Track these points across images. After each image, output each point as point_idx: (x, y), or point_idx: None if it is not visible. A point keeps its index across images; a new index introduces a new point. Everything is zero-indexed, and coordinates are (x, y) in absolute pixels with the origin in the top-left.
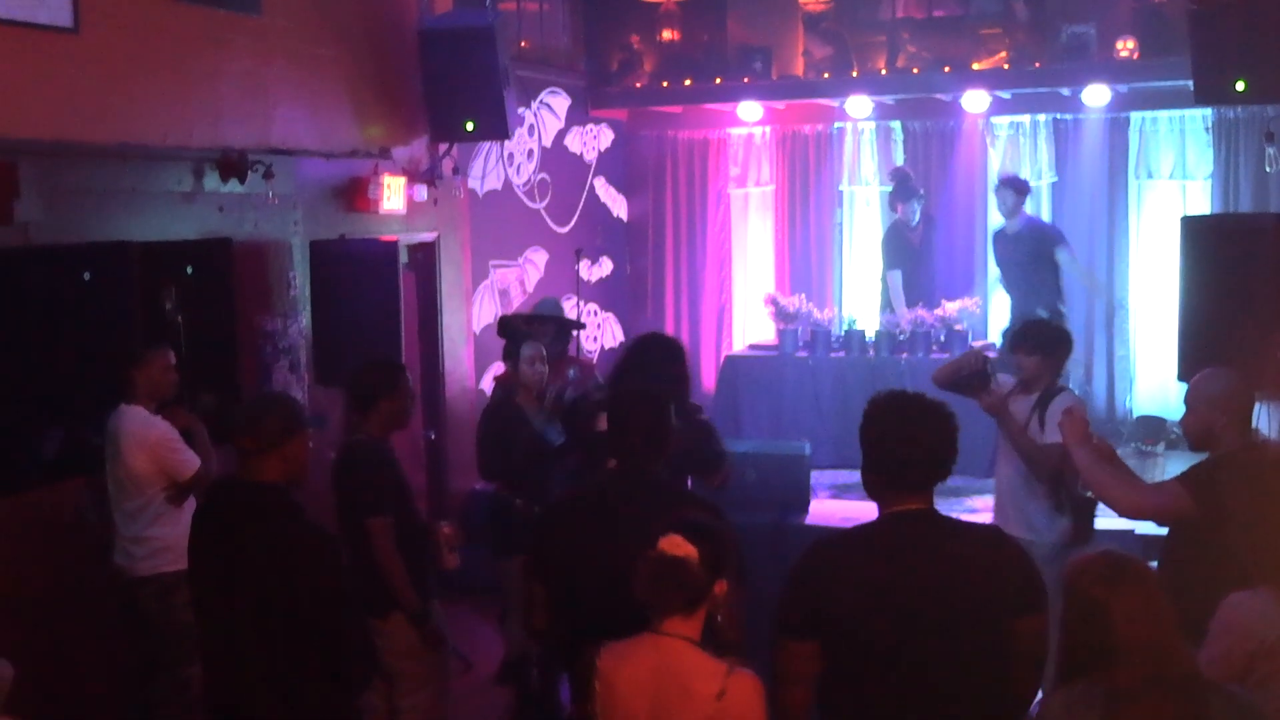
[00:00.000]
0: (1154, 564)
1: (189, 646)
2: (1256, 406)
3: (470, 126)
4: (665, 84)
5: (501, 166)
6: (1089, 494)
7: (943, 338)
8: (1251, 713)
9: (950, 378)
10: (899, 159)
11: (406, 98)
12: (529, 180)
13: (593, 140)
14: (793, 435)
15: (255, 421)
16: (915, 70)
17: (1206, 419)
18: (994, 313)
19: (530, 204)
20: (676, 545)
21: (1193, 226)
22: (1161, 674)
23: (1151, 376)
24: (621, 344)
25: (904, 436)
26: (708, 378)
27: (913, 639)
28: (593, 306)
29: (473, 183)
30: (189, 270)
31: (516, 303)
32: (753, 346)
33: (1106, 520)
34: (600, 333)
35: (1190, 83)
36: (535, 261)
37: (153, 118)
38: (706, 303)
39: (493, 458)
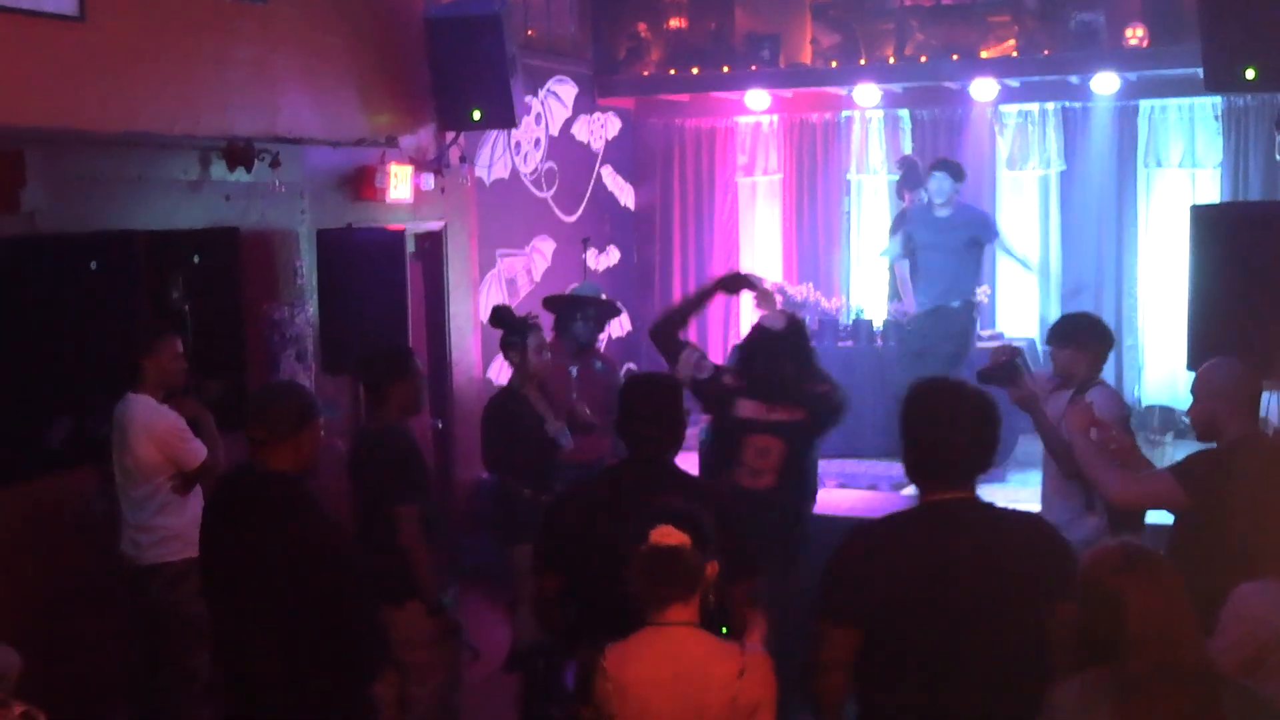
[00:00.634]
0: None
1: (196, 636)
2: (1265, 396)
3: (477, 115)
4: (673, 72)
5: (508, 155)
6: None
7: None
8: (1261, 706)
9: (983, 370)
10: (907, 147)
11: (413, 86)
12: (536, 169)
13: (600, 129)
14: None
15: (267, 410)
16: (923, 58)
17: (1211, 409)
18: (1002, 302)
19: (537, 193)
20: (668, 535)
21: (1202, 215)
22: (1173, 664)
23: (1161, 366)
24: (630, 333)
25: (947, 426)
26: None
27: (954, 625)
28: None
29: (480, 171)
30: (195, 259)
31: (524, 292)
32: None
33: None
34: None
35: (1200, 70)
36: (542, 250)
37: (159, 106)
38: None
39: (498, 452)
